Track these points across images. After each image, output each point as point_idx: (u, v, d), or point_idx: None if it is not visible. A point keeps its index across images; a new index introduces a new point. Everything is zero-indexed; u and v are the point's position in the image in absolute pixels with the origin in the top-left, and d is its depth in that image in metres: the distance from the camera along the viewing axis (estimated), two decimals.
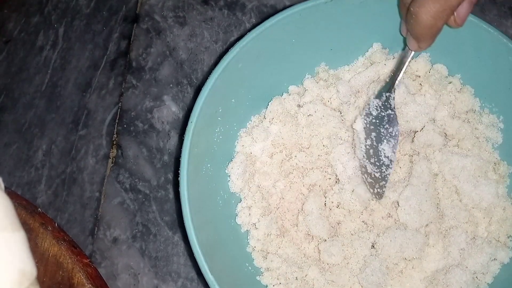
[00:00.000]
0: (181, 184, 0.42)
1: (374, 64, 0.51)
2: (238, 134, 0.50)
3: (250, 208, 0.47)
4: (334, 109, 0.50)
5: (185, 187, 0.42)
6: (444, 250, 0.46)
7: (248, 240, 0.47)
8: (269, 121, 0.50)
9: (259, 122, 0.51)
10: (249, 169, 0.48)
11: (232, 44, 0.46)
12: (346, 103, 0.50)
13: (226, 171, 0.48)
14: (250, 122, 0.51)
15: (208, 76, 0.45)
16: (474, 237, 0.46)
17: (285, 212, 0.48)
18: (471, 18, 0.45)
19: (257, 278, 0.45)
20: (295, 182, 0.48)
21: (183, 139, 0.43)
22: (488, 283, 0.45)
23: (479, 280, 0.45)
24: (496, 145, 0.49)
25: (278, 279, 0.45)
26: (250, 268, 0.46)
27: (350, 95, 0.50)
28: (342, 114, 0.50)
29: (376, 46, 0.51)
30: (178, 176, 0.43)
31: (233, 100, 0.48)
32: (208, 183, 0.46)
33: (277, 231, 0.47)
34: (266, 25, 0.46)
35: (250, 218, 0.47)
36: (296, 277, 0.45)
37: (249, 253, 0.47)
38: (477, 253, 0.45)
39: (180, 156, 0.43)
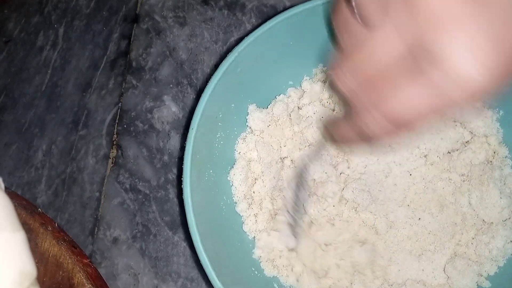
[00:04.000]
0: (184, 192, 0.41)
1: None
2: (238, 138, 0.50)
3: (256, 215, 0.47)
4: (333, 110, 0.50)
5: (189, 194, 0.41)
6: (458, 236, 0.46)
7: (255, 247, 0.47)
8: (269, 125, 0.50)
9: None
10: (250, 175, 0.48)
11: (232, 45, 0.46)
12: None
13: (228, 178, 0.48)
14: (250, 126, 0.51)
15: (208, 78, 0.44)
16: (490, 222, 0.46)
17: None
18: None
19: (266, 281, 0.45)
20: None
21: (183, 140, 0.43)
22: (500, 266, 0.45)
23: (495, 262, 0.45)
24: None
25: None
26: (257, 273, 0.46)
27: None
28: None
29: None
30: (180, 179, 0.42)
31: (232, 105, 0.48)
32: (211, 189, 0.45)
33: None
34: (263, 29, 0.45)
35: (257, 225, 0.47)
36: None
37: (257, 260, 0.46)
38: (492, 237, 0.45)
39: (181, 156, 0.43)
